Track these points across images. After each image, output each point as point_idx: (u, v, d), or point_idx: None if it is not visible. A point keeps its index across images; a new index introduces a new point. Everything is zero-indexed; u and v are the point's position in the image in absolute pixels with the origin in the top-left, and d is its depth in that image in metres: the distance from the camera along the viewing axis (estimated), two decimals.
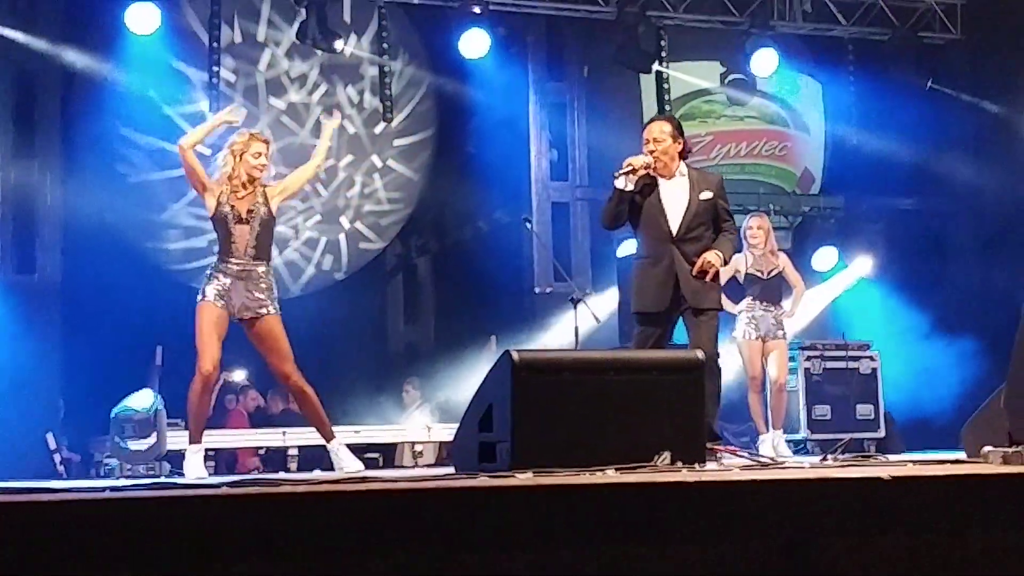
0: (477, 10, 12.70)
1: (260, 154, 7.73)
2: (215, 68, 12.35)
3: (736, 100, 15.07)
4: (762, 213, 11.22)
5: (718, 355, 7.81)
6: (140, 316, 12.15)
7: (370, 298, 14.72)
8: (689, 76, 14.39)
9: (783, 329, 10.54)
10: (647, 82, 14.20)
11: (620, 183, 7.70)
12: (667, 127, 7.92)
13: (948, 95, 14.17)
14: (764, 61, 13.50)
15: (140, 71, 12.49)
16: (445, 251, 15.09)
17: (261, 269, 7.70)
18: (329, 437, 7.85)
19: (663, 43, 13.41)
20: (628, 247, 14.32)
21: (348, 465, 7.73)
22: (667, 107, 13.75)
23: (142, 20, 11.76)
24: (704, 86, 14.89)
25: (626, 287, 13.31)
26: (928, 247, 14.98)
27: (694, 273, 7.66)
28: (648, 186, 7.80)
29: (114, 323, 12.05)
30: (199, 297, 7.65)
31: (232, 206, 7.66)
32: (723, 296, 10.61)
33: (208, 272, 7.72)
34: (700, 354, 6.29)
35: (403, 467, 11.82)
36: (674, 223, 7.75)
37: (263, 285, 7.68)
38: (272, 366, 7.72)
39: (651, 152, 7.79)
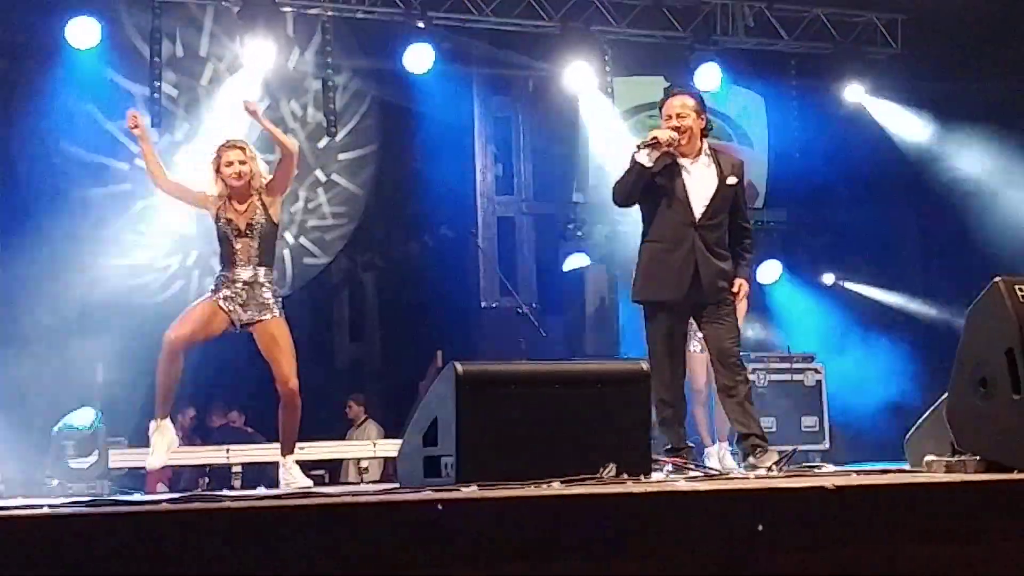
0: (421, 24, 12.70)
1: (231, 163, 7.60)
2: (157, 83, 12.25)
3: None
4: None
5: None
6: (80, 332, 12.03)
7: (315, 314, 14.64)
8: (634, 91, 14.43)
9: None
10: (587, 96, 14.23)
11: (642, 157, 7.12)
12: (690, 102, 7.36)
13: (888, 107, 14.30)
14: (708, 76, 13.56)
15: (80, 85, 12.37)
16: (391, 266, 15.05)
17: (264, 274, 7.65)
18: (287, 453, 7.79)
19: (607, 57, 13.45)
20: (574, 261, 14.42)
21: (298, 482, 7.68)
22: (610, 121, 13.78)
23: (82, 34, 11.66)
24: (648, 101, 14.93)
25: (571, 300, 13.39)
26: (871, 260, 15.09)
27: (738, 301, 7.30)
28: (668, 166, 7.24)
29: (54, 340, 11.91)
30: (210, 293, 7.65)
31: (229, 220, 7.60)
32: None
33: (216, 283, 7.67)
34: (645, 365, 6.29)
35: (349, 483, 11.76)
36: (698, 208, 7.20)
37: (267, 291, 7.64)
38: (275, 369, 7.64)
39: (675, 128, 7.24)
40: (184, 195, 7.83)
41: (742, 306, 10.42)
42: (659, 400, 7.10)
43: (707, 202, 7.21)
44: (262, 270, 7.65)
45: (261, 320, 7.62)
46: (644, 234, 7.35)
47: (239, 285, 7.59)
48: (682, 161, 7.25)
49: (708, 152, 7.33)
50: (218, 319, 7.57)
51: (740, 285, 7.28)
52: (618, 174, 7.43)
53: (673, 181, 7.20)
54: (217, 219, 7.65)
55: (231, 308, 7.57)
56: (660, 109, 7.47)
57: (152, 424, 7.63)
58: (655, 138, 7.11)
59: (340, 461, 12.48)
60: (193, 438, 12.80)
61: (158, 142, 13.02)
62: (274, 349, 7.63)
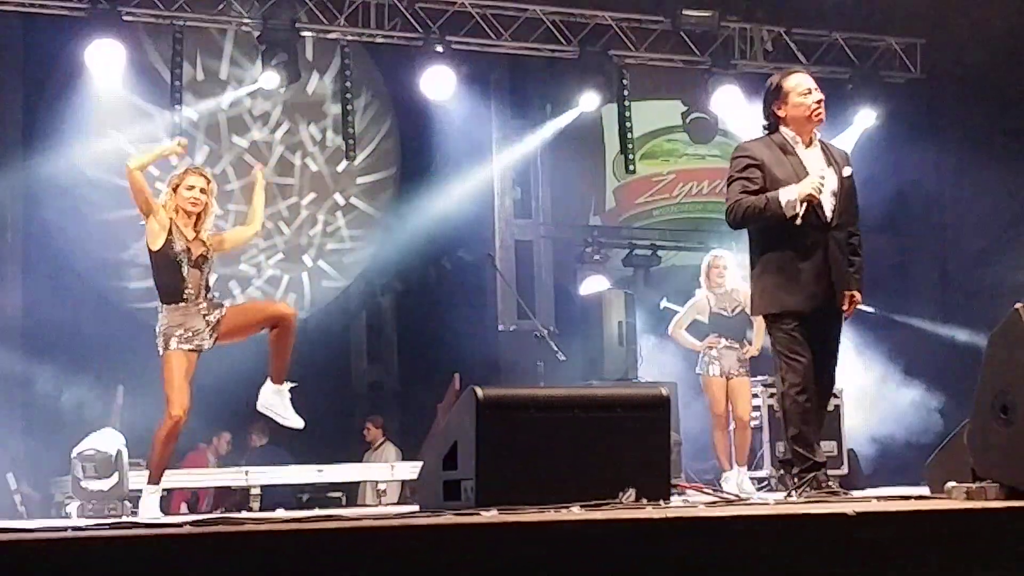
0: (440, 49, 12.75)
1: (192, 187, 7.41)
2: (177, 106, 12.32)
3: (698, 139, 15.16)
4: (724, 251, 11.25)
5: None
6: (101, 355, 12.07)
7: (333, 336, 14.66)
8: (651, 115, 14.47)
9: (747, 366, 10.56)
10: (609, 120, 14.28)
11: (791, 211, 6.32)
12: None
13: (907, 132, 14.29)
14: (725, 99, 13.58)
15: (102, 109, 12.44)
16: (408, 289, 15.08)
17: (212, 295, 7.53)
18: (278, 380, 7.72)
19: (625, 82, 13.48)
20: (592, 284, 14.42)
21: (288, 415, 7.71)
22: (630, 145, 13.81)
23: (104, 58, 11.73)
24: (666, 124, 14.97)
25: (589, 324, 13.38)
26: (890, 285, 15.06)
27: (848, 316, 6.60)
28: (791, 160, 6.49)
29: (75, 362, 11.95)
30: (161, 349, 7.37)
31: (187, 248, 7.39)
32: (687, 335, 10.73)
33: (162, 323, 7.39)
34: (665, 391, 6.27)
35: (367, 506, 11.75)
36: (828, 207, 6.44)
37: (215, 303, 7.48)
38: (264, 317, 7.56)
39: (818, 102, 6.54)
40: (143, 192, 7.42)
41: (760, 325, 10.44)
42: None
43: (834, 200, 6.48)
44: (211, 293, 7.51)
45: (223, 315, 7.42)
46: (766, 238, 6.53)
47: (191, 316, 7.36)
48: (801, 152, 6.55)
49: (816, 140, 6.63)
50: (190, 364, 7.38)
51: (853, 299, 6.61)
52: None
53: (796, 179, 6.41)
54: (170, 239, 7.37)
55: (190, 346, 7.36)
56: (779, 86, 6.65)
57: (149, 488, 7.53)
58: (812, 197, 6.33)
59: (358, 484, 12.48)
60: (238, 460, 12.79)
61: (178, 165, 13.13)
62: (247, 313, 7.63)
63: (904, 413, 13.24)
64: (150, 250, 7.49)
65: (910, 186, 14.64)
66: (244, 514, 9.26)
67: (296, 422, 7.71)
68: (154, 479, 7.57)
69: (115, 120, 12.74)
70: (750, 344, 10.55)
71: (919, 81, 14.25)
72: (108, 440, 9.57)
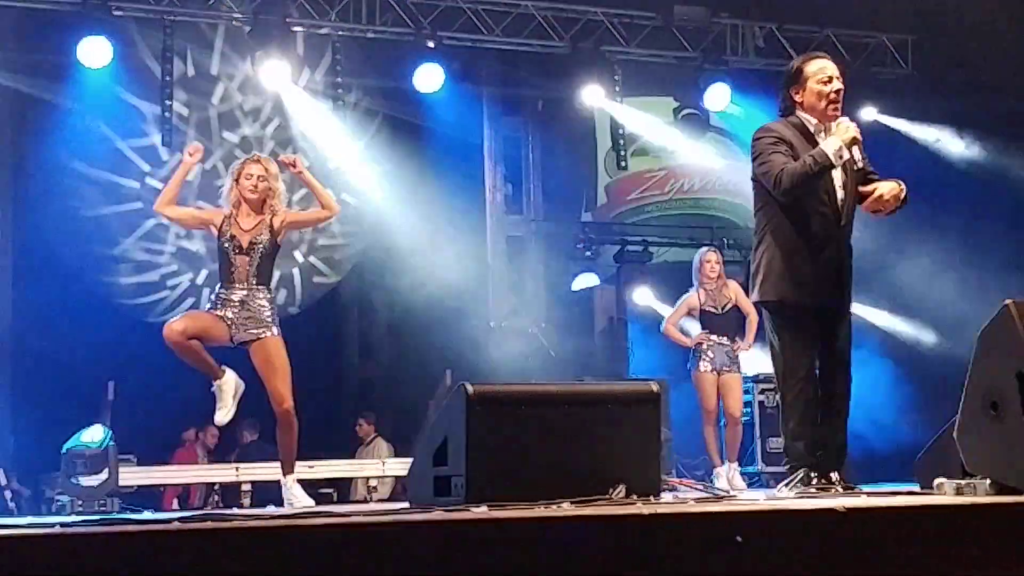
0: (431, 44, 12.75)
1: (251, 175, 7.76)
2: (168, 102, 12.31)
3: (690, 135, 15.17)
4: (716, 247, 11.26)
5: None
6: (91, 351, 12.05)
7: (324, 333, 14.64)
8: (643, 111, 14.47)
9: (738, 363, 10.57)
10: (601, 116, 14.28)
11: (838, 158, 6.22)
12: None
13: (895, 127, 14.31)
14: (717, 96, 13.61)
15: (92, 104, 12.44)
16: (400, 285, 15.05)
17: (262, 295, 7.74)
18: (288, 472, 7.84)
19: (617, 78, 13.47)
20: (583, 281, 14.43)
21: (300, 502, 7.73)
22: (621, 141, 13.82)
23: (95, 53, 11.73)
24: (658, 121, 14.97)
25: (581, 320, 13.39)
26: (881, 278, 15.07)
27: (888, 206, 6.41)
28: (804, 145, 6.37)
29: (65, 358, 11.94)
30: (206, 307, 7.84)
31: (233, 236, 7.71)
32: (678, 332, 10.74)
33: (213, 302, 7.76)
34: (655, 386, 6.27)
35: (357, 502, 11.75)
36: (841, 200, 6.39)
37: (264, 310, 7.72)
38: (270, 388, 7.67)
39: (837, 91, 6.39)
40: (188, 219, 8.11)
41: (753, 320, 10.45)
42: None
43: (844, 193, 6.40)
44: (258, 289, 7.72)
45: (258, 338, 7.67)
46: (778, 227, 6.41)
47: (235, 303, 7.65)
48: (820, 139, 6.39)
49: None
50: (218, 327, 7.62)
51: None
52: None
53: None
54: (220, 235, 7.73)
55: (230, 323, 7.63)
56: (799, 71, 6.48)
57: (214, 384, 7.76)
58: (855, 138, 6.26)
59: (349, 480, 12.47)
60: (228, 455, 12.77)
61: (168, 160, 13.12)
62: (268, 369, 7.65)
63: (895, 409, 13.24)
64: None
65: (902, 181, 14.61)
66: (234, 510, 9.26)
67: (308, 502, 7.81)
68: (214, 374, 7.77)
69: (106, 115, 12.72)
70: (741, 340, 10.56)
71: (910, 77, 14.26)
72: (98, 436, 9.58)
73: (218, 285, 7.79)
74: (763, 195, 6.53)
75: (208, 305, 7.83)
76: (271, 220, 7.78)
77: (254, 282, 7.71)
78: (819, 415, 6.45)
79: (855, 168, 6.40)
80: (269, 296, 7.79)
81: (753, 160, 6.54)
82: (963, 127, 13.88)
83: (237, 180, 7.80)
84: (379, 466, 11.79)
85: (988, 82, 13.41)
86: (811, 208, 6.32)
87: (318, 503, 8.40)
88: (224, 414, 7.83)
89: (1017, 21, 12.55)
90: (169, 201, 7.85)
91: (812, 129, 6.44)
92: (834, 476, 6.42)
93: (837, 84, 6.43)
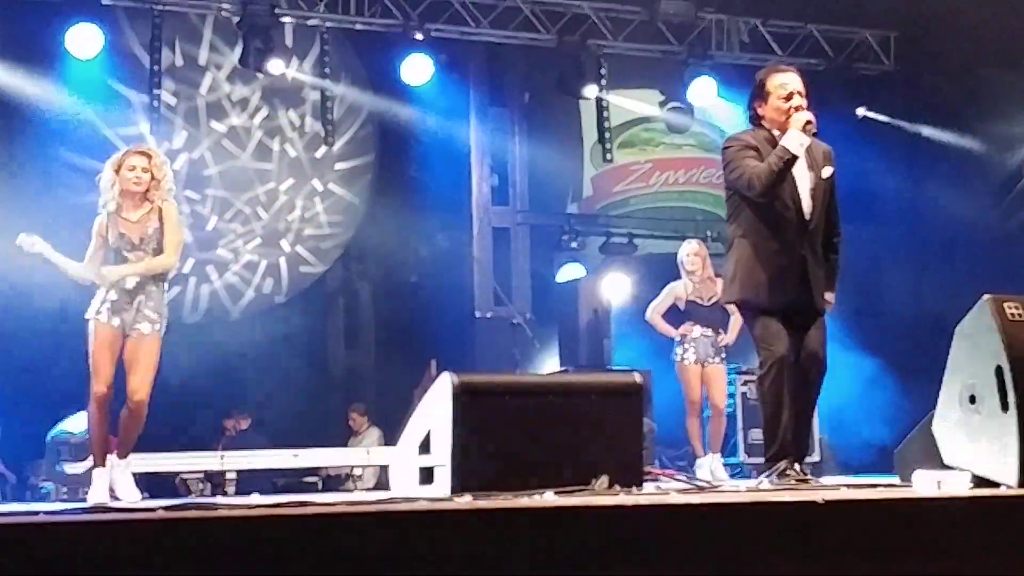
0: (419, 36, 12.76)
1: (134, 167, 7.40)
2: (156, 91, 12.30)
3: (675, 128, 15.22)
4: (700, 240, 11.30)
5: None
6: (77, 338, 12.03)
7: (310, 322, 14.66)
8: (629, 104, 14.50)
9: (722, 354, 10.61)
10: (587, 109, 14.31)
11: (796, 145, 6.35)
12: (800, 78, 6.61)
13: (881, 122, 14.36)
14: (702, 90, 13.65)
15: (81, 93, 12.44)
16: (386, 275, 15.08)
17: (152, 288, 7.44)
18: (123, 455, 7.49)
19: (603, 71, 13.50)
20: (568, 272, 14.45)
21: (127, 493, 7.40)
22: (607, 134, 13.85)
23: (83, 42, 11.72)
24: (643, 114, 15.00)
25: (566, 311, 13.42)
26: (863, 272, 15.12)
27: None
28: (770, 154, 6.46)
29: (51, 344, 11.93)
30: (88, 313, 7.39)
31: (122, 234, 7.39)
32: (663, 321, 10.78)
33: (101, 306, 7.39)
34: (638, 378, 6.31)
35: (345, 491, 11.76)
36: (807, 208, 6.51)
37: (151, 304, 7.40)
38: (128, 379, 7.36)
39: (796, 108, 6.45)
40: (100, 250, 7.53)
41: (736, 316, 10.50)
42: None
43: (811, 202, 6.53)
44: (151, 284, 7.42)
45: (137, 330, 7.34)
46: (747, 231, 6.59)
47: (122, 292, 7.34)
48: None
49: None
50: (114, 340, 7.33)
51: (824, 299, 6.68)
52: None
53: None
54: (109, 235, 7.40)
55: (113, 318, 7.34)
56: (763, 84, 6.60)
57: (97, 472, 7.38)
58: (810, 122, 6.36)
59: (337, 470, 12.47)
60: (213, 444, 12.75)
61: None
62: (134, 363, 7.33)
63: (875, 402, 13.30)
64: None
65: (883, 177, 14.69)
66: (218, 499, 9.28)
67: (134, 496, 7.47)
68: (98, 462, 7.40)
69: (94, 104, 12.72)
70: (725, 332, 10.60)
71: (893, 73, 14.32)
72: (83, 423, 9.59)
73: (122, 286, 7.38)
74: (734, 204, 6.70)
75: (96, 314, 7.38)
76: (160, 211, 7.44)
77: (148, 277, 7.41)
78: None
79: (823, 178, 6.56)
80: (160, 294, 7.46)
81: (724, 169, 6.69)
82: (945, 123, 13.93)
83: (118, 171, 7.44)
84: (363, 455, 11.80)
85: (970, 78, 13.46)
86: (778, 214, 6.47)
87: (302, 493, 8.39)
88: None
89: (999, 17, 12.60)
90: (86, 271, 7.51)
91: (774, 136, 6.55)
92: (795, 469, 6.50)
93: (797, 100, 6.51)
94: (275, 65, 12.47)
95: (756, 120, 6.67)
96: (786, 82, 6.56)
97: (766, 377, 6.48)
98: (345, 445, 13.02)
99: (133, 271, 7.34)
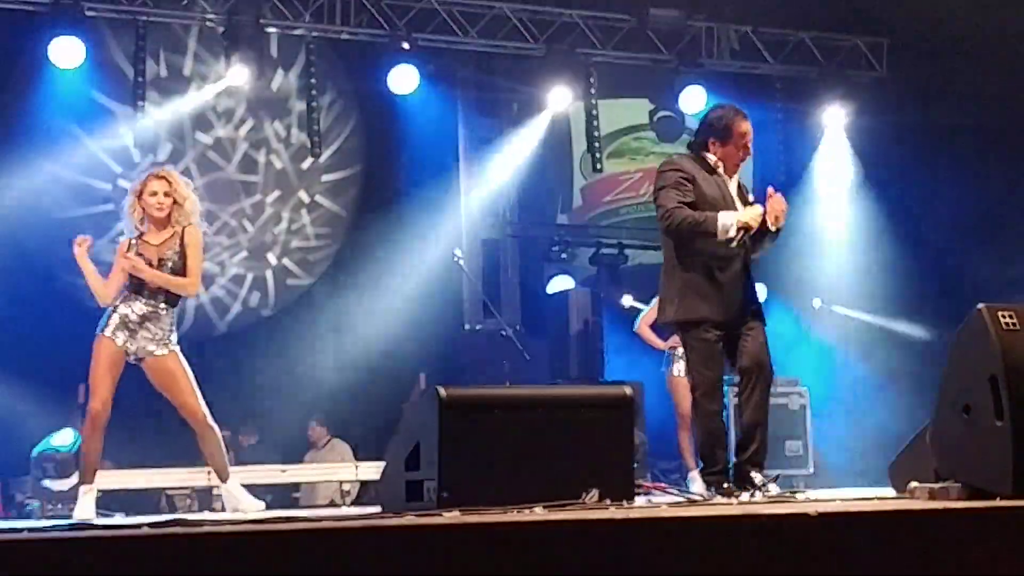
0: (406, 46, 12.71)
1: (155, 192, 7.52)
2: (140, 103, 12.24)
3: (665, 137, 15.17)
4: None
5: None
6: (62, 354, 11.96)
7: (297, 335, 14.60)
8: (618, 113, 14.48)
9: None
10: (576, 119, 14.27)
11: (725, 235, 6.78)
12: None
13: (872, 131, 14.37)
14: (692, 98, 13.60)
15: (64, 105, 12.36)
16: (374, 287, 15.02)
17: (164, 309, 7.52)
18: (224, 478, 7.68)
19: (592, 80, 13.47)
20: (558, 284, 14.41)
21: (245, 504, 7.59)
22: (597, 144, 13.81)
23: (66, 54, 11.64)
24: (633, 123, 14.97)
25: (555, 323, 13.38)
26: (855, 281, 15.11)
27: (776, 222, 6.91)
28: (710, 182, 6.97)
29: (35, 361, 11.85)
30: (99, 329, 7.45)
31: (140, 254, 7.50)
32: (652, 333, 10.74)
33: (106, 316, 7.49)
34: (629, 390, 6.27)
35: (334, 505, 11.69)
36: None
37: (163, 325, 7.49)
38: (178, 404, 7.50)
39: (747, 147, 7.02)
40: (122, 276, 7.61)
41: None
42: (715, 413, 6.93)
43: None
44: (164, 306, 7.51)
45: (153, 355, 7.45)
46: (687, 249, 6.93)
47: (132, 317, 7.43)
48: (728, 181, 7.05)
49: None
50: (118, 358, 7.42)
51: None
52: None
53: (720, 199, 6.94)
54: (128, 254, 7.51)
55: (122, 339, 7.42)
56: (728, 128, 7.02)
57: (84, 488, 7.46)
58: (748, 227, 6.83)
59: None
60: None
61: (140, 162, 13.06)
62: (172, 385, 7.46)
63: (870, 412, 13.28)
64: None
65: (875, 184, 14.70)
66: (205, 515, 9.22)
67: (256, 504, 7.70)
68: (86, 479, 7.52)
69: (77, 116, 12.66)
70: None
71: (884, 80, 14.31)
72: (68, 439, 9.53)
73: (118, 300, 7.49)
74: None
75: (103, 329, 7.48)
76: (182, 233, 7.56)
77: (162, 298, 7.50)
78: (740, 421, 6.98)
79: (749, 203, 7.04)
80: (172, 315, 7.56)
81: (655, 188, 7.06)
82: (937, 130, 13.92)
83: (140, 196, 7.57)
84: (351, 470, 11.72)
85: (962, 85, 13.46)
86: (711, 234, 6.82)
87: (288, 508, 8.35)
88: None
89: (990, 25, 12.61)
90: (104, 291, 7.61)
91: (712, 164, 7.02)
92: (756, 477, 6.80)
93: (750, 148, 7.05)
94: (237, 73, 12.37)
95: (701, 148, 7.07)
96: (748, 131, 7.03)
97: (704, 399, 6.84)
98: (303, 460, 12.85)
99: (154, 276, 7.45)
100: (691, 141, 7.30)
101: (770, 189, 7.00)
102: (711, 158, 7.03)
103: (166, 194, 7.54)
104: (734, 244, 6.81)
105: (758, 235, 6.95)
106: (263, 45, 12.68)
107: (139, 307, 7.46)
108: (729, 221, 6.77)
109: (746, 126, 7.01)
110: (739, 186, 7.13)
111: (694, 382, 6.90)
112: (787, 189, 14.28)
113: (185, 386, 7.47)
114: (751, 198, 7.17)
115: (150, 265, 7.47)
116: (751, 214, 6.84)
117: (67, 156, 12.78)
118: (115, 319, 7.45)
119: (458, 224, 14.24)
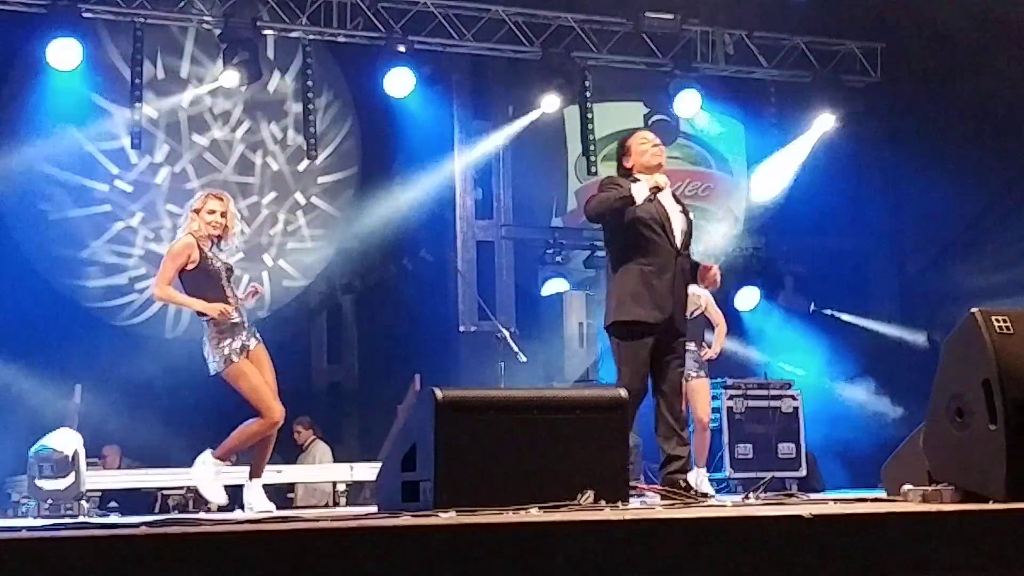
0: (402, 48, 12.73)
1: (214, 211, 7.78)
2: (137, 104, 12.25)
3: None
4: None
5: None
6: (59, 354, 11.99)
7: (293, 336, 14.61)
8: (613, 116, 14.48)
9: (705, 368, 10.59)
10: (571, 122, 14.29)
11: (640, 196, 7.18)
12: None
13: (866, 136, 14.40)
14: (687, 102, 13.63)
15: (61, 107, 12.37)
16: (369, 289, 15.04)
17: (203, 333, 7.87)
18: (256, 476, 7.93)
19: (587, 83, 13.49)
20: (553, 286, 14.43)
21: (258, 505, 7.79)
22: (591, 147, 13.83)
23: (64, 56, 11.64)
24: (627, 126, 14.97)
25: (550, 325, 13.40)
26: (848, 287, 15.15)
27: (710, 280, 7.50)
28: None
29: (33, 361, 11.87)
30: (223, 366, 7.74)
31: (223, 262, 7.84)
32: None
33: (213, 338, 7.76)
34: (623, 392, 6.30)
35: (330, 506, 11.69)
36: (677, 235, 7.32)
37: (207, 348, 7.84)
38: (274, 389, 7.90)
39: (656, 144, 7.57)
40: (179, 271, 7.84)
41: (721, 328, 10.52)
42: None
43: (682, 232, 7.36)
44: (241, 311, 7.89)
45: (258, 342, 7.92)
46: (625, 256, 7.30)
47: (239, 329, 7.81)
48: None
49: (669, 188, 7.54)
50: (259, 365, 7.84)
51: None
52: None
53: (653, 207, 7.28)
54: (204, 257, 7.73)
55: (247, 352, 7.80)
56: (623, 151, 7.64)
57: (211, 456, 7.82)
58: (658, 185, 7.26)
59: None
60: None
61: (138, 163, 13.08)
62: (268, 369, 7.88)
63: (862, 416, 13.31)
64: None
65: (868, 189, 14.73)
66: (202, 515, 9.22)
67: (267, 506, 7.93)
68: (255, 472, 7.93)
69: (75, 118, 12.66)
70: (709, 347, 10.59)
71: (879, 85, 14.35)
72: (65, 439, 9.53)
73: (231, 322, 7.77)
74: (611, 227, 7.40)
75: (213, 347, 7.80)
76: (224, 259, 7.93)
77: (239, 307, 7.90)
78: (666, 430, 7.31)
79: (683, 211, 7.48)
80: (207, 336, 7.90)
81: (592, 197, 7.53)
82: (931, 135, 13.96)
83: (198, 212, 7.81)
84: (347, 471, 11.72)
85: (956, 90, 13.50)
86: (648, 237, 7.23)
87: (284, 509, 8.38)
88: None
89: (984, 30, 12.65)
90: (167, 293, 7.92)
91: (635, 173, 7.46)
92: (685, 482, 7.15)
93: (655, 140, 7.60)
94: (234, 75, 12.38)
95: (627, 174, 7.49)
96: (644, 136, 7.69)
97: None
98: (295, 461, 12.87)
99: (190, 304, 7.84)
100: (619, 173, 7.67)
101: (703, 266, 7.50)
102: (637, 176, 7.40)
103: (222, 214, 7.82)
104: (639, 201, 7.15)
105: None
106: (260, 47, 12.70)
107: (235, 320, 7.84)
108: (641, 189, 7.19)
109: (641, 134, 7.73)
110: (676, 199, 7.56)
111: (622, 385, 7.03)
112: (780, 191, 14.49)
113: (249, 396, 7.79)
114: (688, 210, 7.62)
115: (231, 272, 7.91)
116: (659, 179, 7.28)
117: (65, 157, 12.79)
118: (231, 348, 7.76)
119: (453, 226, 14.23)
